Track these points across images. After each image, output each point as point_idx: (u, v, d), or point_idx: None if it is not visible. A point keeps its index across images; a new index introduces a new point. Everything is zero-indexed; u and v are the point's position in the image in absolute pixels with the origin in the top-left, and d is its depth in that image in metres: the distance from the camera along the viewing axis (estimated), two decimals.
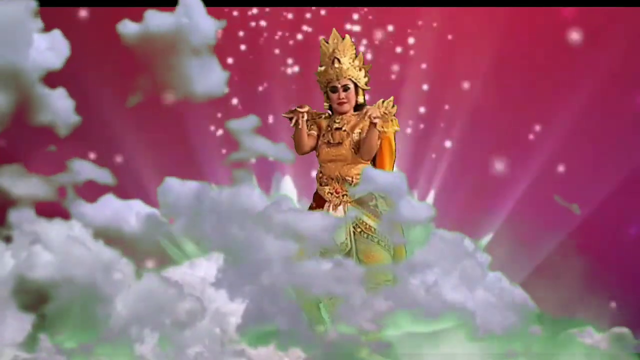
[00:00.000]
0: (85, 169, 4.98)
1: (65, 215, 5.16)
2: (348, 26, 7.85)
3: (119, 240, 5.01)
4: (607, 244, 7.42)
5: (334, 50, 5.61)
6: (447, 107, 8.02)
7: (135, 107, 4.98)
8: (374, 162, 5.63)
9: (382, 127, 5.44)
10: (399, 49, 8.02)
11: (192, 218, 5.02)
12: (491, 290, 5.22)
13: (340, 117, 5.63)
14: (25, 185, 4.91)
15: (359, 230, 5.48)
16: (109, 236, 4.93)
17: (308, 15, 7.88)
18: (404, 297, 5.04)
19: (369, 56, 7.70)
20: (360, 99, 5.65)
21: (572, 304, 7.11)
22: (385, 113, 5.52)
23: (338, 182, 5.58)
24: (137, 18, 5.02)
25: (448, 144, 7.99)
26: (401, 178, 5.04)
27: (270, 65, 7.80)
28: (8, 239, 4.95)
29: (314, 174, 5.80)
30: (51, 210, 5.12)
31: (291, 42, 7.88)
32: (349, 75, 5.60)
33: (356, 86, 5.62)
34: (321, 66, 5.66)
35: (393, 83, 7.93)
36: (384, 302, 5.01)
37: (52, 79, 4.87)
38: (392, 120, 5.53)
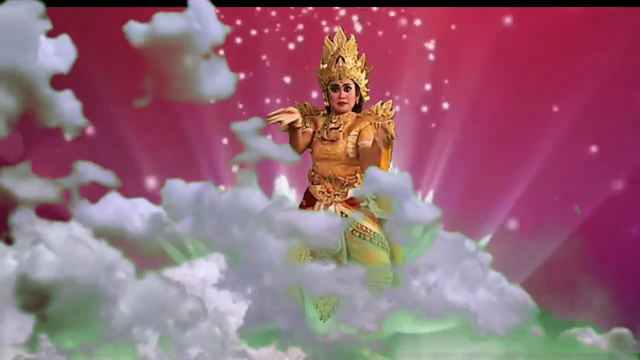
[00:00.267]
0: (89, 171, 4.96)
1: (66, 215, 5.15)
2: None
3: (121, 240, 4.99)
4: (608, 244, 7.43)
5: (338, 49, 5.59)
6: (445, 105, 8.04)
7: (141, 109, 4.96)
8: None
9: (383, 149, 5.37)
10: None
11: (195, 219, 5.02)
12: (492, 290, 5.21)
13: (338, 116, 5.62)
14: (30, 187, 4.89)
15: (350, 229, 5.44)
16: (112, 236, 4.93)
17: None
18: (404, 297, 5.03)
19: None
20: (359, 100, 5.65)
21: (572, 304, 7.12)
22: (383, 115, 5.54)
23: (330, 182, 5.54)
24: (141, 18, 5.00)
25: (447, 143, 8.01)
26: (406, 179, 5.00)
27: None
28: (10, 240, 4.94)
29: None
30: (52, 210, 5.12)
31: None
32: (351, 75, 5.58)
33: (356, 87, 5.61)
34: (323, 64, 5.64)
35: (393, 78, 7.94)
36: (384, 303, 5.00)
37: (57, 80, 4.85)
38: (388, 124, 5.52)
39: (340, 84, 5.58)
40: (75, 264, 4.62)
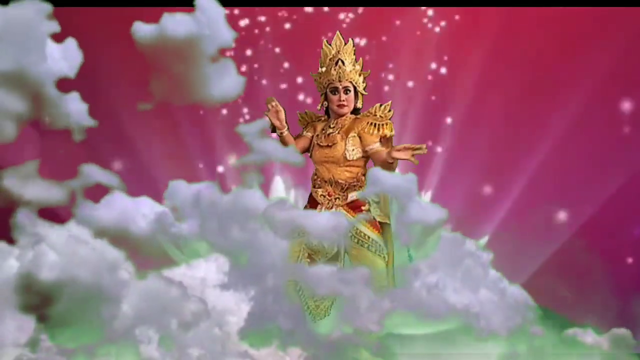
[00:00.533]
0: (94, 173, 4.95)
1: (65, 215, 5.15)
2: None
3: (124, 240, 4.99)
4: (609, 244, 7.43)
5: (338, 52, 5.61)
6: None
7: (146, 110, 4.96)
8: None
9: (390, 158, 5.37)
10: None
11: (198, 220, 5.02)
12: (493, 290, 5.22)
13: (336, 120, 5.63)
14: (36, 188, 4.88)
15: (349, 235, 5.42)
16: (115, 236, 4.92)
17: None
18: (406, 298, 5.03)
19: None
20: (359, 104, 5.65)
21: (573, 304, 7.13)
22: (381, 116, 5.55)
23: (331, 185, 5.55)
24: (146, 18, 4.98)
25: (447, 142, 8.02)
26: (411, 180, 5.00)
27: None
28: (12, 241, 4.94)
29: (306, 172, 5.81)
30: (51, 210, 5.11)
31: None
32: (350, 78, 5.59)
33: (355, 91, 5.63)
34: (321, 67, 5.66)
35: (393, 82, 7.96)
36: (386, 303, 5.00)
37: (63, 82, 4.84)
38: (386, 124, 5.54)
39: (340, 87, 5.59)
40: (78, 264, 4.61)
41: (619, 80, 7.57)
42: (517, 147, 7.82)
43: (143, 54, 4.80)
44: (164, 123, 7.74)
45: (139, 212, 5.06)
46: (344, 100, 5.60)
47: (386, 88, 7.99)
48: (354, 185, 5.54)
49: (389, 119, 5.58)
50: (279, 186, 7.94)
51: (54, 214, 5.12)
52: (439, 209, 5.00)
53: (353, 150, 5.54)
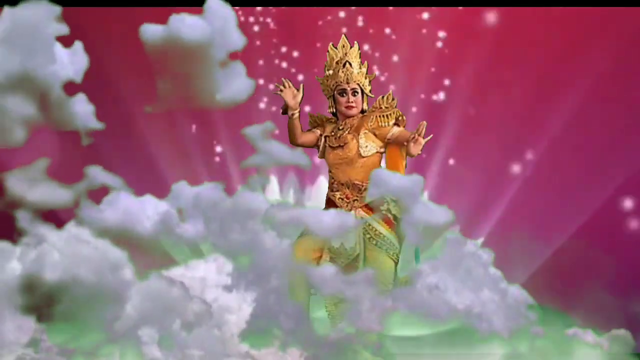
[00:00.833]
0: (99, 175, 4.95)
1: (65, 215, 5.15)
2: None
3: (128, 240, 4.99)
4: (609, 244, 7.44)
5: (345, 54, 5.66)
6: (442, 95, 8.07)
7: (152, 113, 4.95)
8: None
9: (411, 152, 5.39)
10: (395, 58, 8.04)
11: (203, 221, 5.02)
12: (493, 291, 5.22)
13: (344, 121, 5.66)
14: (42, 191, 4.88)
15: (368, 236, 5.47)
16: (118, 236, 4.92)
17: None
18: (407, 298, 5.04)
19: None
20: (365, 106, 5.68)
21: (572, 304, 7.13)
22: (387, 107, 5.57)
23: (348, 188, 5.58)
24: (153, 19, 4.97)
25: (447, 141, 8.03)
26: (417, 181, 5.00)
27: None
28: (15, 242, 4.94)
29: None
30: (53, 211, 5.11)
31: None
32: (357, 80, 5.64)
33: (362, 93, 5.65)
34: (328, 70, 5.69)
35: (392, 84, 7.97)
36: (387, 304, 5.00)
37: (69, 84, 4.84)
38: (392, 114, 5.58)
39: (348, 88, 5.64)
40: (80, 264, 4.61)
41: (619, 80, 7.58)
42: (517, 147, 7.83)
43: (149, 56, 4.80)
44: (169, 122, 7.74)
45: (144, 212, 5.06)
46: (352, 102, 5.64)
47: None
48: None
49: (395, 107, 5.61)
50: (273, 186, 7.95)
51: (54, 215, 5.12)
52: (445, 211, 5.02)
53: (367, 146, 5.57)
